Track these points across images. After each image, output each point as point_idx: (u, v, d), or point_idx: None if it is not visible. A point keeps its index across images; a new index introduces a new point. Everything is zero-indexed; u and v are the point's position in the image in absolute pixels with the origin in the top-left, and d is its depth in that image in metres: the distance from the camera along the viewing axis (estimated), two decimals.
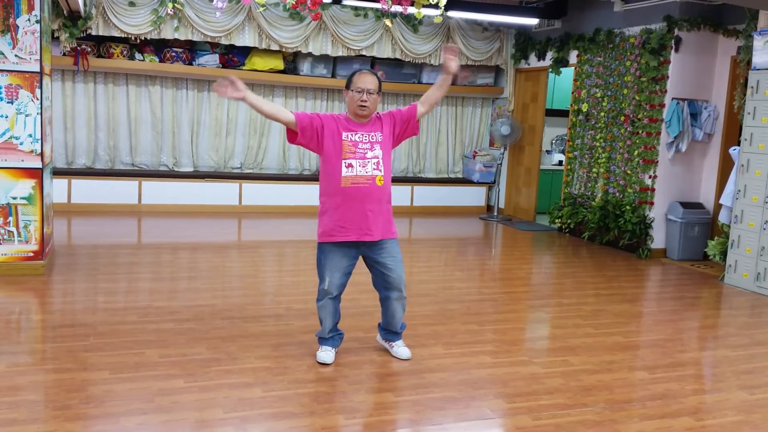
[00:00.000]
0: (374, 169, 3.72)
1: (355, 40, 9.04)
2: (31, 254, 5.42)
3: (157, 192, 8.73)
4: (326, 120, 3.74)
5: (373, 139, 3.75)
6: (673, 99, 7.28)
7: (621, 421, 3.32)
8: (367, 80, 3.71)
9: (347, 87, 3.76)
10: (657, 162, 7.42)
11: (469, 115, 10.51)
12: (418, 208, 9.91)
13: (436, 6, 5.19)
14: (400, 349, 4.00)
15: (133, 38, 8.30)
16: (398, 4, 5.12)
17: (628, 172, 7.72)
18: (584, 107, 8.39)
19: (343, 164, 3.68)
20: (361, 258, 3.87)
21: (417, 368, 3.86)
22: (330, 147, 3.71)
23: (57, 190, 7.82)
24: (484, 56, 9.78)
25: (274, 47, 8.77)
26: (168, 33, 8.32)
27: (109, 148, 8.87)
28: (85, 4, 7.72)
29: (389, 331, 4.03)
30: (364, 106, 3.70)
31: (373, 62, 9.55)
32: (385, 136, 3.79)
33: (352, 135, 3.71)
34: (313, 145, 3.75)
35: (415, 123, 3.87)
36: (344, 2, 8.35)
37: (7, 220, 5.34)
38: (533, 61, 9.55)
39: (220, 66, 8.89)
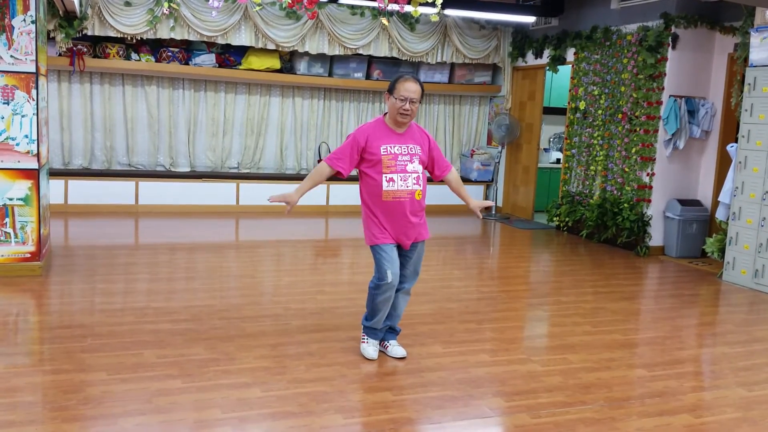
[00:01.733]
0: (414, 184, 3.77)
1: (351, 39, 9.03)
2: (28, 255, 5.41)
3: (154, 192, 8.71)
4: (366, 137, 3.75)
5: (412, 151, 3.78)
6: (670, 96, 7.28)
7: (620, 418, 3.32)
8: (410, 89, 3.72)
9: (390, 92, 3.77)
10: (655, 159, 7.42)
11: (466, 114, 10.51)
12: None
13: (432, 4, 5.17)
14: (395, 348, 4.01)
15: (129, 38, 8.29)
16: (395, 2, 5.11)
17: (626, 169, 7.71)
18: (582, 105, 8.39)
19: (384, 178, 3.72)
20: (369, 248, 3.93)
21: (415, 367, 3.85)
22: (370, 159, 3.74)
23: (53, 191, 7.79)
24: (481, 54, 9.77)
25: (271, 46, 8.75)
26: (164, 33, 8.30)
27: (106, 149, 8.85)
28: (80, 5, 7.69)
29: (388, 327, 4.03)
30: (406, 114, 3.74)
31: (370, 61, 9.54)
32: (423, 151, 3.83)
33: (391, 147, 3.74)
34: (357, 165, 3.82)
35: (434, 173, 3.96)
36: (341, 1, 8.35)
37: (4, 222, 5.32)
38: (530, 59, 9.55)
39: (217, 65, 8.87)
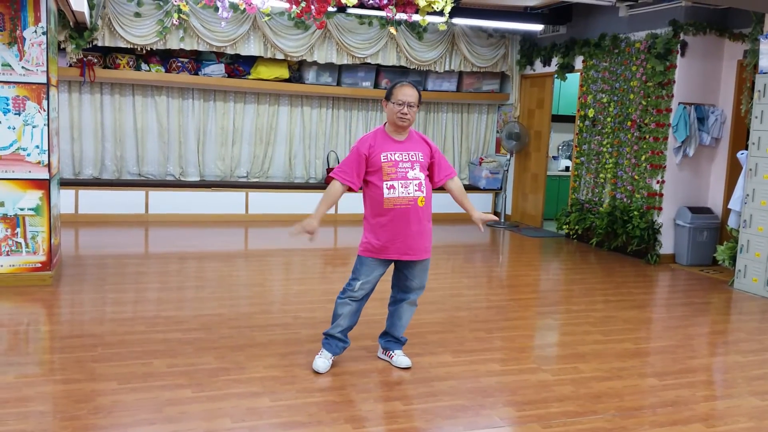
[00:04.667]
0: (416, 190, 3.74)
1: (360, 48, 9.06)
2: (39, 265, 5.44)
3: (164, 202, 8.75)
4: (368, 146, 3.75)
5: (413, 158, 3.77)
6: (679, 103, 7.26)
7: (631, 428, 3.29)
8: (407, 93, 3.74)
9: (387, 98, 3.79)
10: (664, 167, 7.39)
11: (474, 122, 10.51)
12: None
13: (440, 13, 5.19)
14: (399, 358, 3.98)
15: (139, 49, 8.34)
16: (403, 11, 5.13)
17: (636, 177, 7.69)
18: (590, 113, 8.37)
19: (385, 186, 3.70)
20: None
21: (425, 376, 3.84)
22: (372, 167, 3.74)
23: (64, 200, 7.84)
24: (489, 63, 9.78)
25: (279, 56, 8.79)
26: (174, 43, 8.36)
27: (116, 159, 8.90)
28: (91, 16, 7.76)
29: (391, 337, 4.02)
30: (405, 118, 3.74)
31: (379, 70, 9.57)
32: (425, 157, 3.82)
33: (391, 155, 3.73)
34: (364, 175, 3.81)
35: (434, 179, 3.88)
36: (349, 11, 8.37)
37: (15, 231, 5.36)
38: (539, 67, 9.55)
39: (226, 75, 8.92)
